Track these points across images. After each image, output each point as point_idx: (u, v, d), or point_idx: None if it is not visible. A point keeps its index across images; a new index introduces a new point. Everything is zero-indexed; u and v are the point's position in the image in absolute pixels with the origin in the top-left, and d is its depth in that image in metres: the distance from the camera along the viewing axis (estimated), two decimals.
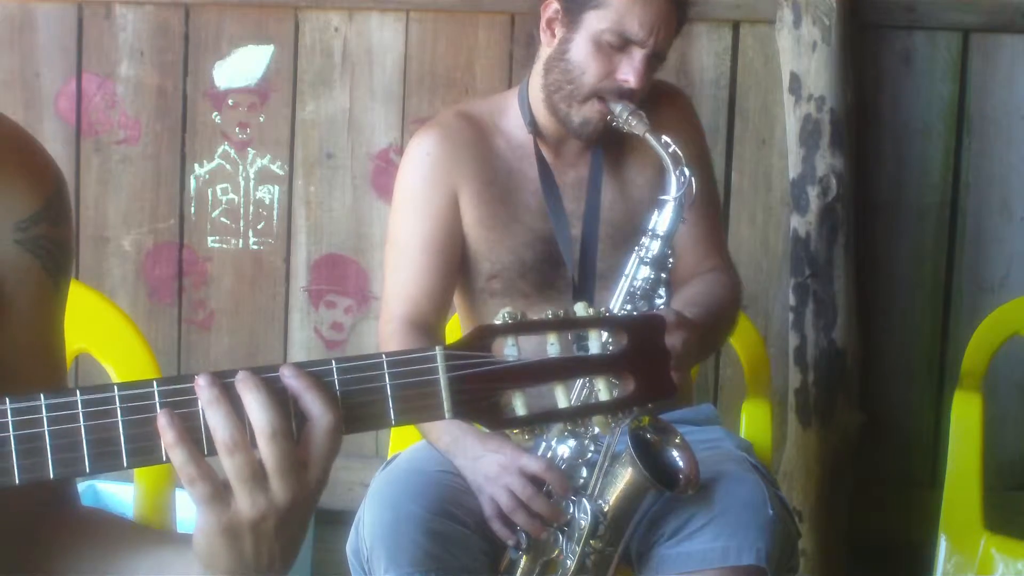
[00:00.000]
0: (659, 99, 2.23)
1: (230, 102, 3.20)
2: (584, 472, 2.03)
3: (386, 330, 2.22)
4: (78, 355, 2.24)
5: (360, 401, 1.00)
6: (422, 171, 2.21)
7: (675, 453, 2.00)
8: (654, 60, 2.15)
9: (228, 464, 0.97)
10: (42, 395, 0.97)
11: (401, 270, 2.23)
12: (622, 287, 2.07)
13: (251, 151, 3.21)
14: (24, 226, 1.15)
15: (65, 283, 1.21)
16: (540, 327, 1.04)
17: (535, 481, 1.99)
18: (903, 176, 3.08)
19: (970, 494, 2.50)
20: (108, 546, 1.13)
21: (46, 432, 0.96)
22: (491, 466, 2.02)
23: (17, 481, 0.97)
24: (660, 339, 1.08)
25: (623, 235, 2.19)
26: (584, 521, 1.97)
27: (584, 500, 1.98)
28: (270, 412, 0.97)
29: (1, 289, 1.14)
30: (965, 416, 2.54)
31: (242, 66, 3.19)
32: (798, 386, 3.02)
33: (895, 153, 3.08)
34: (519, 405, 1.02)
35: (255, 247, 3.24)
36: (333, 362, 1.00)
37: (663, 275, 2.07)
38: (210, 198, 3.23)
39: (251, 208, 3.23)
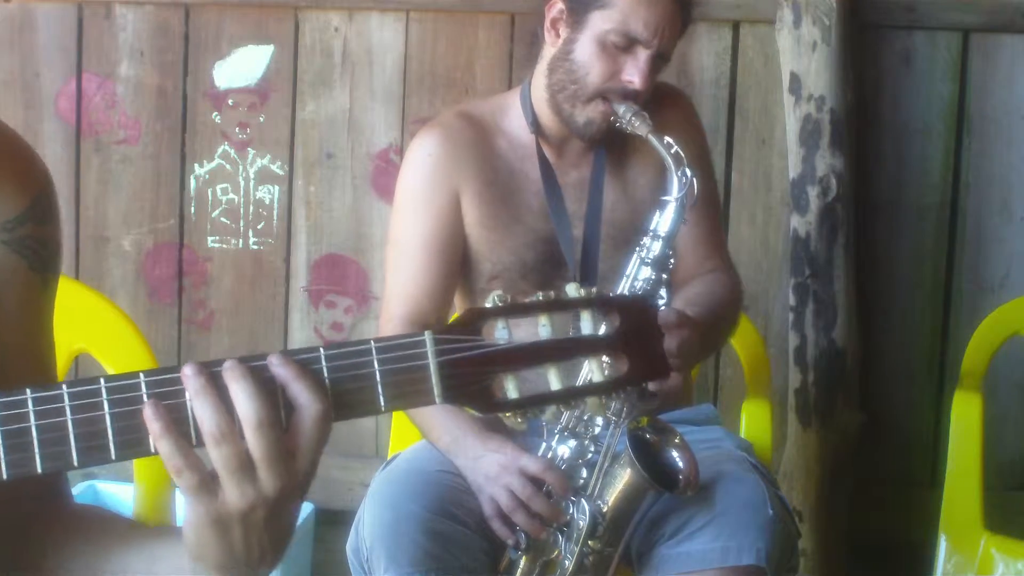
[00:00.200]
0: (661, 100, 2.23)
1: (230, 102, 3.20)
2: (584, 472, 2.03)
3: (386, 329, 2.22)
4: (78, 355, 2.24)
5: (349, 388, 0.99)
6: (424, 171, 2.21)
7: (675, 453, 2.00)
8: (658, 61, 2.14)
9: (216, 455, 0.97)
10: (28, 389, 0.96)
11: (402, 270, 2.22)
12: (623, 288, 2.07)
13: (251, 151, 3.21)
14: (10, 227, 1.15)
15: (54, 282, 1.20)
16: (531, 309, 1.02)
17: (535, 481, 1.99)
18: (903, 176, 3.08)
19: (970, 494, 2.50)
20: (100, 541, 1.13)
21: (32, 426, 0.96)
22: (491, 466, 2.02)
23: (5, 476, 0.96)
24: (652, 319, 1.06)
25: (625, 236, 2.18)
26: (583, 521, 1.97)
27: (583, 500, 1.98)
28: (256, 401, 0.96)
29: None
30: (965, 416, 2.54)
31: (242, 66, 3.19)
32: (798, 386, 3.02)
33: (895, 153, 3.08)
34: (511, 388, 1.01)
35: (255, 247, 3.24)
36: (321, 349, 0.99)
37: (664, 276, 2.07)
38: (210, 198, 3.23)
39: (251, 208, 3.23)
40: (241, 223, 3.23)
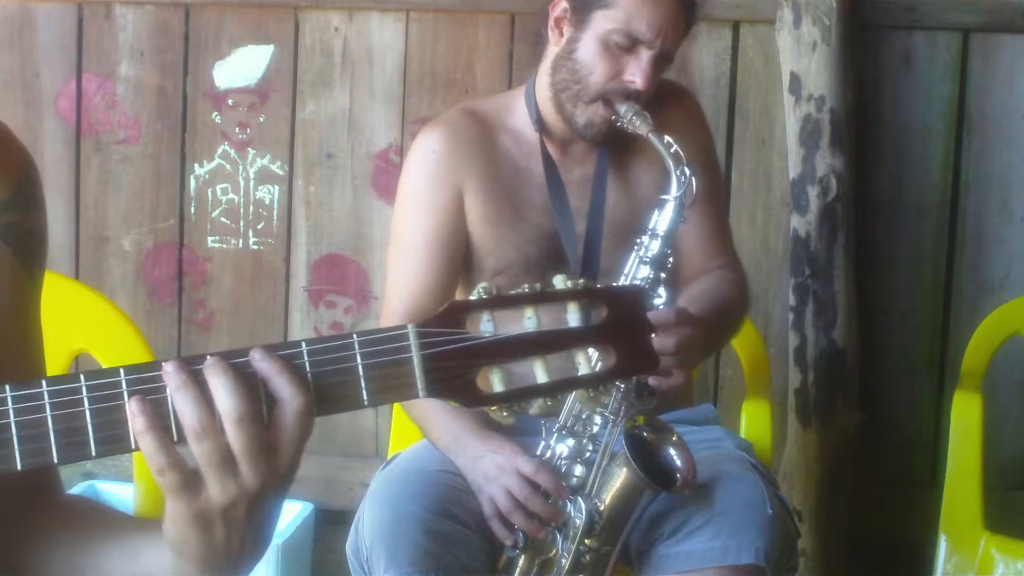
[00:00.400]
0: (666, 99, 2.23)
1: (230, 102, 3.20)
2: (582, 471, 2.03)
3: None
4: (78, 355, 2.24)
5: (332, 382, 0.98)
6: (427, 168, 2.21)
7: (672, 452, 2.00)
8: (661, 61, 2.14)
9: (197, 450, 0.96)
10: (7, 386, 0.95)
11: (403, 267, 2.22)
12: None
13: (251, 151, 3.21)
14: None
15: (40, 272, 1.19)
16: (516, 301, 1.00)
17: (533, 482, 1.99)
18: (903, 176, 3.08)
19: (970, 494, 2.50)
20: (84, 535, 1.12)
21: (12, 423, 0.95)
22: (490, 466, 2.02)
23: None
24: (641, 310, 1.04)
25: (627, 233, 2.18)
26: (580, 520, 1.97)
27: (580, 499, 1.98)
28: (237, 396, 0.96)
29: None
30: (965, 416, 2.54)
31: (242, 66, 3.19)
32: (798, 386, 3.02)
33: (895, 153, 3.08)
34: (496, 381, 0.99)
35: (255, 247, 3.24)
36: (303, 344, 0.98)
37: (662, 275, 2.07)
38: (210, 198, 3.23)
39: (251, 208, 3.23)
40: (241, 223, 3.23)
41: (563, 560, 1.98)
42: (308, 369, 0.98)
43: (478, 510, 2.03)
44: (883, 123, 3.07)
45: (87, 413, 0.96)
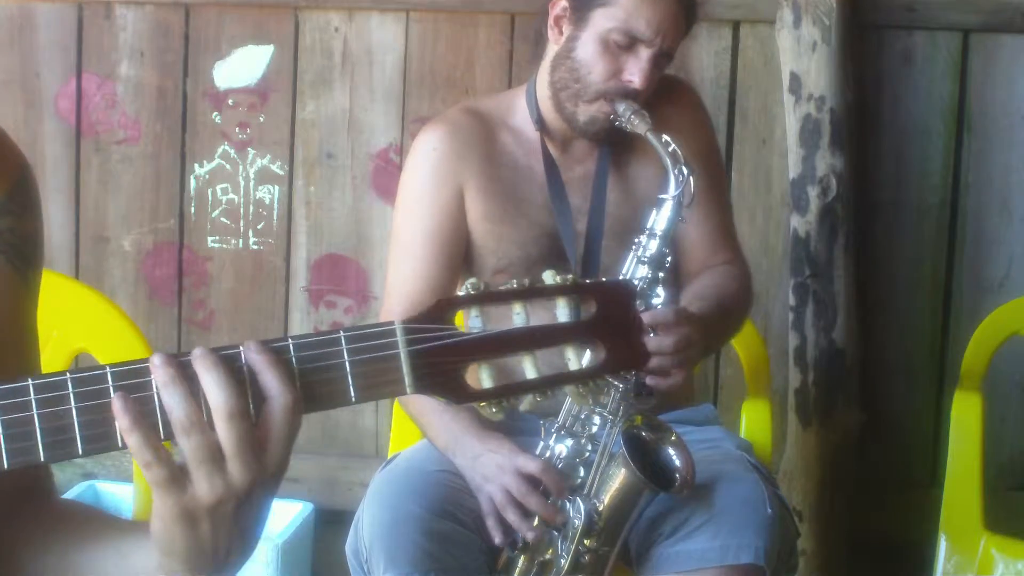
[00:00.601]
0: (666, 95, 2.23)
1: (230, 102, 3.20)
2: (581, 471, 2.03)
3: None
4: (78, 355, 2.25)
5: (319, 379, 0.97)
6: (428, 166, 2.21)
7: (671, 452, 1.99)
8: (661, 60, 2.14)
9: (185, 445, 0.95)
10: None
11: (404, 265, 2.22)
12: None
13: (251, 151, 3.21)
14: None
15: (35, 277, 1.17)
16: (504, 297, 0.99)
17: (532, 481, 1.99)
18: (903, 176, 3.08)
19: (970, 494, 2.50)
20: (75, 537, 1.11)
21: None
22: (489, 466, 2.02)
23: None
24: (630, 306, 1.03)
25: (628, 232, 2.18)
26: (578, 520, 1.97)
27: (579, 499, 1.98)
28: (226, 391, 0.94)
29: None
30: (965, 416, 2.54)
31: (242, 66, 3.19)
32: (798, 386, 3.02)
33: (895, 153, 3.08)
34: (484, 377, 0.98)
35: (255, 247, 3.24)
36: (290, 339, 0.97)
37: (660, 274, 2.07)
38: (210, 198, 3.23)
39: (251, 208, 3.23)
40: (241, 223, 3.23)
41: (562, 560, 1.98)
42: (295, 365, 0.97)
43: (477, 510, 2.03)
44: (883, 123, 3.07)
45: (73, 411, 0.95)
